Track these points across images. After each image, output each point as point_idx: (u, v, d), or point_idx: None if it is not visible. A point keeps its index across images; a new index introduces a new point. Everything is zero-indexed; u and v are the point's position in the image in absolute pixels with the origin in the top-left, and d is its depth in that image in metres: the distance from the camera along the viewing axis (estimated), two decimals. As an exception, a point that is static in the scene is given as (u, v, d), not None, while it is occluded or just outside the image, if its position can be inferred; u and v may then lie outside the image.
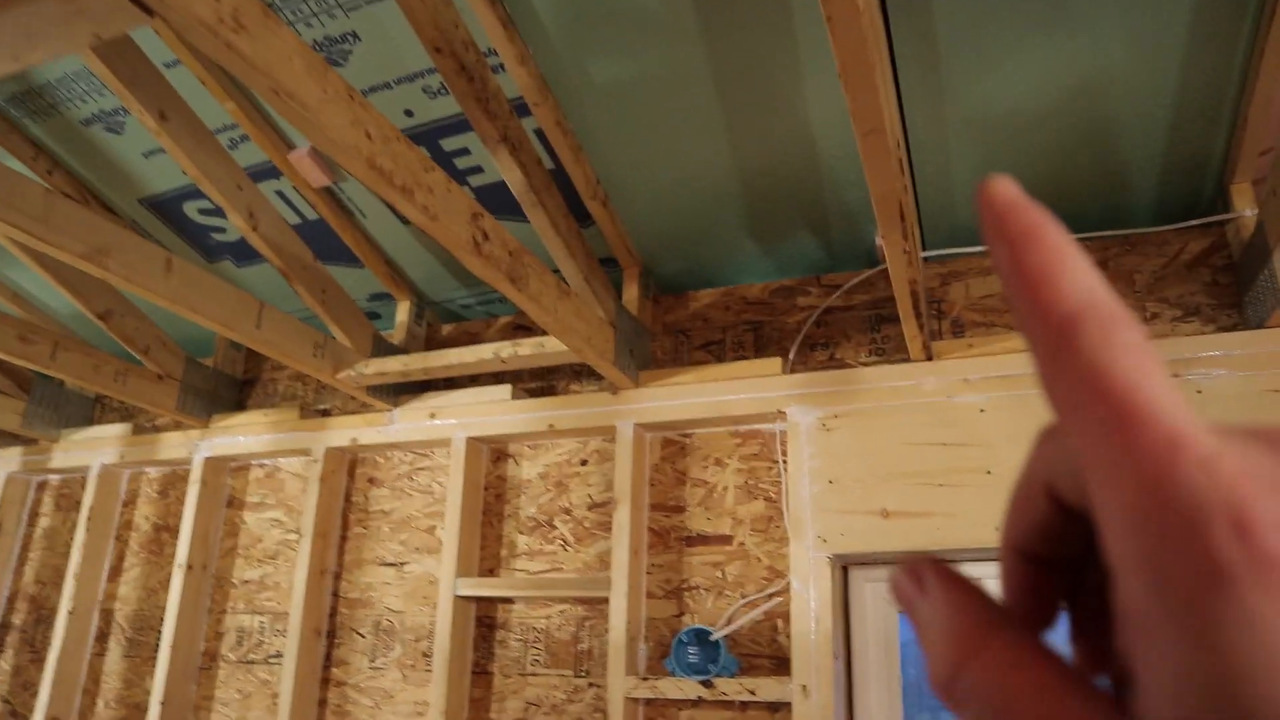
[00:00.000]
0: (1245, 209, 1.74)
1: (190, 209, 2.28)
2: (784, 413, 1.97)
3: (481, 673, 2.17)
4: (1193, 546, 0.17)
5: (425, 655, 2.25)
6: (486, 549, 2.26)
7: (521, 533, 2.24)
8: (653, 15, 1.58)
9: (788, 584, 1.90)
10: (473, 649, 2.19)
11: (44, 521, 2.94)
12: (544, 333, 2.11)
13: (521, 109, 1.80)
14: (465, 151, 1.96)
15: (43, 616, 2.83)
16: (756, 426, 2.06)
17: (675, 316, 2.26)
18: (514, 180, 1.75)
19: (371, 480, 2.46)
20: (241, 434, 2.56)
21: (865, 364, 2.02)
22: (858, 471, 1.88)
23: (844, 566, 1.95)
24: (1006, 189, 0.22)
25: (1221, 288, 1.80)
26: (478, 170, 2.00)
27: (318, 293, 2.13)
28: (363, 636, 2.33)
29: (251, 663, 2.46)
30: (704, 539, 2.05)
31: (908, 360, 1.92)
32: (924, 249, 1.92)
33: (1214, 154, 1.71)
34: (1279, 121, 1.57)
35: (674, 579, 2.05)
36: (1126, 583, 0.19)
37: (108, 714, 2.60)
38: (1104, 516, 0.19)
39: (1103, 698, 0.20)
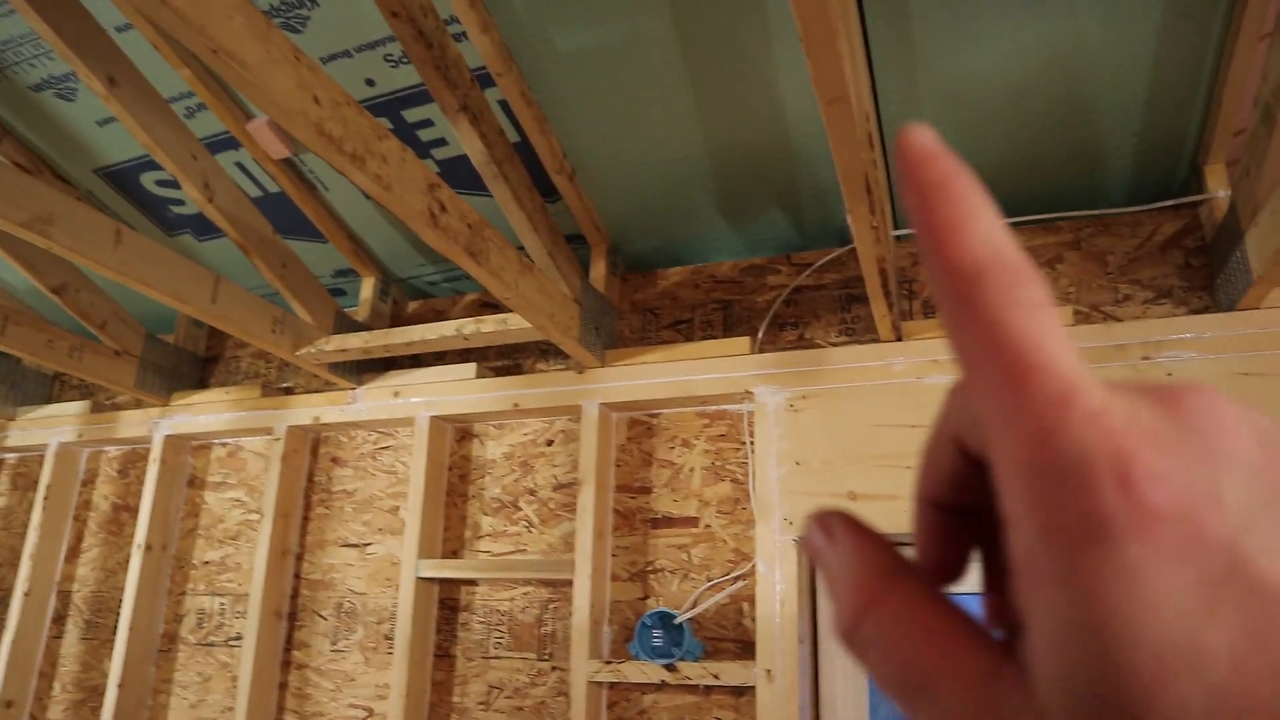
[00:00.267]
0: (1219, 190, 1.71)
1: (148, 180, 2.22)
2: (751, 393, 1.94)
3: (444, 655, 2.14)
4: (1077, 498, 0.17)
5: (387, 638, 2.21)
6: (450, 530, 2.23)
7: (486, 514, 2.21)
8: (618, -18, 1.54)
9: (753, 567, 1.87)
10: (435, 631, 2.16)
11: (1, 501, 2.88)
12: (509, 310, 2.06)
13: (486, 80, 1.75)
14: (429, 123, 1.91)
15: (-1, 597, 2.77)
16: (724, 407, 2.03)
17: (644, 295, 2.22)
18: (474, 151, 1.70)
19: (334, 460, 2.42)
20: (202, 412, 2.51)
21: (835, 344, 1.98)
22: (825, 453, 1.85)
23: (811, 549, 1.92)
24: (923, 139, 0.22)
25: (1194, 269, 1.78)
26: (441, 143, 1.95)
27: (277, 267, 2.08)
28: (324, 619, 2.29)
29: (211, 645, 2.41)
30: (670, 521, 2.02)
31: (878, 340, 1.89)
32: (896, 228, 1.88)
33: (1188, 134, 1.68)
34: (1252, 102, 1.54)
35: (639, 561, 2.02)
36: (1016, 533, 0.19)
37: (65, 697, 2.55)
38: (998, 467, 0.20)
39: (996, 646, 0.21)
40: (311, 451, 2.44)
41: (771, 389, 1.93)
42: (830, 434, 1.86)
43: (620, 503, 2.07)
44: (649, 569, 2.00)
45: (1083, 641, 0.17)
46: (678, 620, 1.88)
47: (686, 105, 1.76)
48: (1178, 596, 0.17)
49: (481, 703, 2.07)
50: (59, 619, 2.63)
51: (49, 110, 2.02)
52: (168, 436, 2.52)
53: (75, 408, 2.69)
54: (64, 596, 2.65)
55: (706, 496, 2.00)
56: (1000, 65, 1.58)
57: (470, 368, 2.22)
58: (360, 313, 2.40)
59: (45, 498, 2.62)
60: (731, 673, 1.80)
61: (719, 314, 2.13)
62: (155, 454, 2.51)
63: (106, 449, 2.74)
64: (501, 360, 2.32)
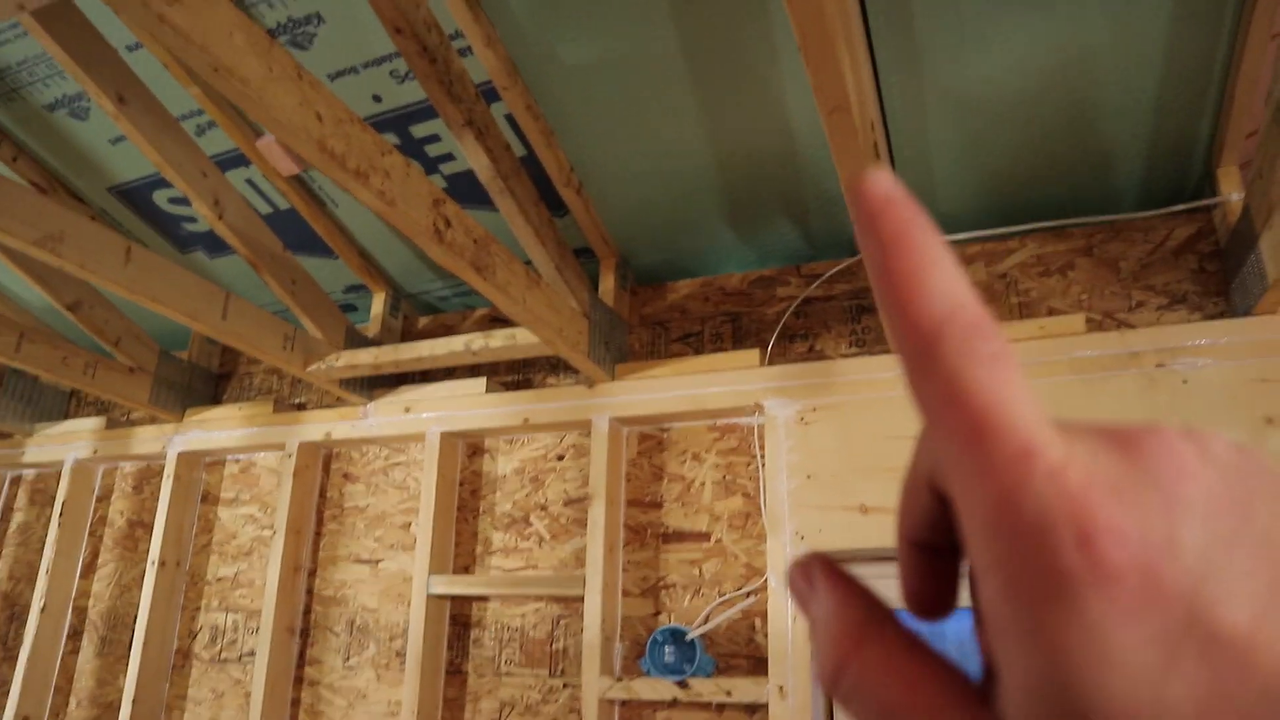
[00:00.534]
0: (1232, 193, 1.69)
1: (160, 198, 2.23)
2: (762, 405, 1.93)
3: (455, 672, 2.13)
4: (1039, 556, 0.18)
5: (399, 654, 2.20)
6: (461, 546, 2.22)
7: (497, 529, 2.20)
8: (621, -6, 1.54)
9: (765, 582, 1.86)
10: (447, 648, 2.15)
11: (18, 517, 2.90)
12: (518, 325, 2.06)
13: (491, 94, 1.75)
14: (436, 138, 1.91)
15: (16, 614, 2.78)
16: (735, 420, 2.02)
17: (653, 308, 2.22)
18: (480, 166, 1.70)
19: (346, 475, 2.42)
20: (215, 428, 2.52)
21: (845, 356, 1.97)
22: (836, 466, 1.84)
23: (823, 563, 1.90)
24: (881, 185, 0.21)
25: (1208, 274, 1.76)
26: (449, 158, 1.96)
27: (287, 283, 2.09)
28: (336, 635, 2.29)
29: (225, 661, 2.41)
30: (681, 536, 2.00)
31: (888, 351, 1.87)
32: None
33: (1200, 137, 1.66)
34: (1264, 103, 1.52)
35: (650, 576, 2.00)
36: (983, 585, 0.19)
37: (80, 713, 2.56)
38: (964, 521, 0.20)
39: (973, 692, 0.21)
40: (323, 467, 2.44)
41: (782, 401, 1.91)
42: (841, 446, 1.84)
43: (631, 517, 2.05)
44: (660, 584, 1.99)
45: (1051, 696, 0.18)
46: (690, 636, 1.86)
47: (693, 117, 1.76)
48: (1140, 651, 0.17)
49: None
50: (75, 634, 2.64)
51: (62, 129, 2.04)
52: (181, 453, 2.53)
53: (91, 424, 2.71)
54: (79, 612, 2.66)
55: (717, 511, 1.98)
56: (1007, 70, 1.56)
57: (480, 383, 2.22)
58: (371, 329, 2.40)
59: (61, 514, 2.64)
60: (744, 689, 1.78)
61: (728, 326, 2.12)
62: (169, 470, 2.52)
63: (121, 465, 2.76)
64: (512, 375, 2.32)
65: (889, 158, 1.63)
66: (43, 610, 2.57)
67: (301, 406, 2.53)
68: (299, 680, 2.29)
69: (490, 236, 1.62)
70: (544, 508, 2.16)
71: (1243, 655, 0.17)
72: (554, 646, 2.05)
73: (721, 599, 1.91)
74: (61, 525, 2.63)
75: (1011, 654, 0.18)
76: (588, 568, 1.96)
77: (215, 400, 2.70)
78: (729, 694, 1.78)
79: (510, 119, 1.81)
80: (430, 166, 1.97)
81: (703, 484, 2.01)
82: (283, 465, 2.39)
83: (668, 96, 1.72)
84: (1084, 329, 1.74)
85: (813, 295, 2.05)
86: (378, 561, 2.31)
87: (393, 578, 2.27)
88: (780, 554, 1.82)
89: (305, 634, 2.32)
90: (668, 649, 1.87)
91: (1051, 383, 1.71)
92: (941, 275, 0.20)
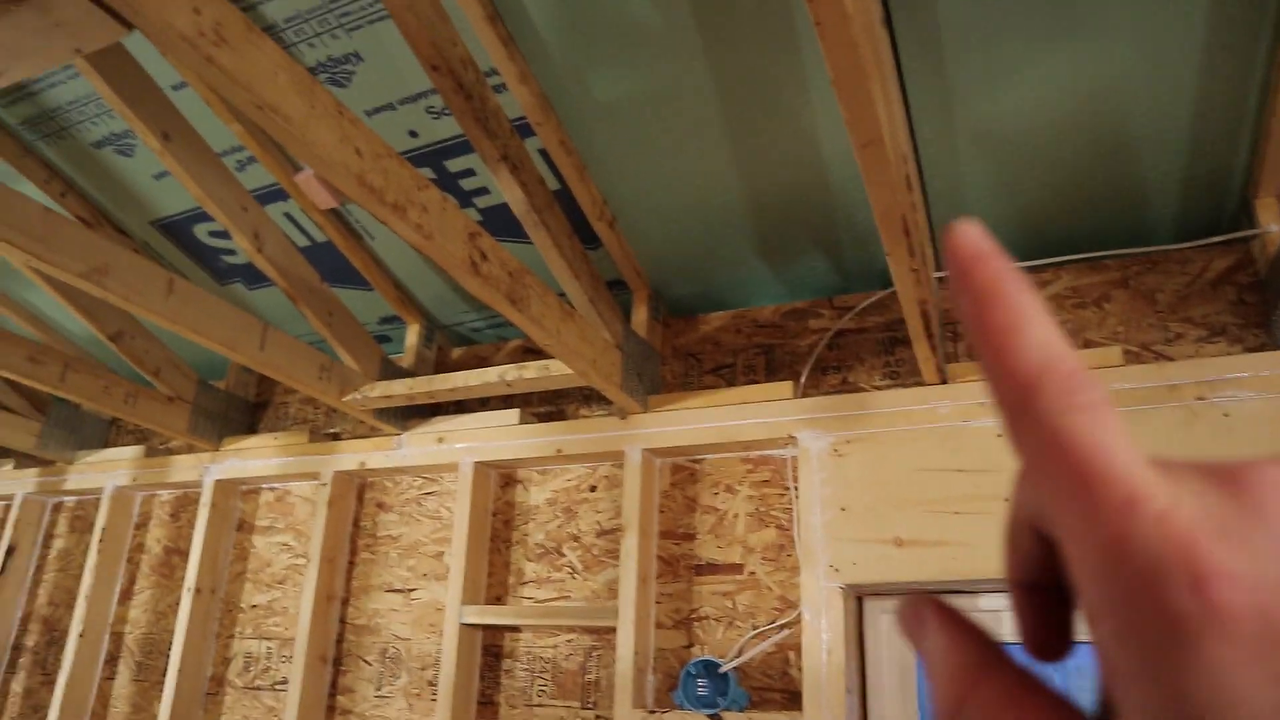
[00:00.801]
0: (1270, 224, 1.67)
1: (200, 231, 2.28)
2: (795, 438, 1.92)
3: (487, 703, 2.12)
4: (1153, 603, 0.18)
5: (431, 684, 2.20)
6: (494, 576, 2.22)
7: (529, 560, 2.20)
8: (654, 30, 1.56)
9: (799, 615, 1.84)
10: (479, 678, 2.14)
11: (58, 543, 2.95)
12: (551, 356, 2.07)
13: (525, 129, 1.77)
14: (470, 173, 1.94)
15: (55, 638, 2.82)
16: (768, 452, 2.01)
17: (685, 340, 2.22)
18: (515, 200, 1.72)
19: (380, 505, 2.43)
20: (251, 457, 2.55)
21: (878, 388, 1.96)
22: (870, 499, 1.82)
23: (858, 597, 1.89)
24: (971, 238, 0.22)
25: (1248, 306, 1.73)
26: (484, 192, 1.99)
27: (324, 315, 2.12)
28: (369, 664, 2.30)
29: (258, 689, 2.43)
30: (714, 567, 1.99)
31: (922, 384, 1.86)
32: (938, 270, 1.86)
33: (1236, 167, 1.65)
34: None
35: (683, 608, 1.99)
36: (1097, 629, 0.20)
37: (116, 740, 2.58)
38: (1073, 567, 0.20)
39: None
40: (357, 497, 2.46)
41: (815, 434, 1.91)
42: (875, 479, 1.83)
43: (664, 549, 2.05)
44: (693, 616, 1.98)
45: None
46: (723, 669, 1.85)
47: (724, 151, 1.77)
48: (1262, 690, 0.17)
49: (524, 751, 2.05)
50: (111, 660, 2.67)
51: (109, 166, 2.10)
52: (218, 481, 2.56)
53: (130, 452, 2.75)
54: (116, 638, 2.69)
55: (751, 543, 1.97)
56: (1038, 103, 1.56)
57: (514, 414, 2.23)
58: (405, 359, 2.43)
59: (100, 540, 2.68)
60: (777, 723, 1.76)
61: (761, 359, 2.12)
62: (206, 498, 2.55)
63: (159, 493, 2.80)
64: (545, 406, 2.33)
65: (921, 191, 1.63)
66: (81, 636, 2.60)
67: (336, 436, 2.55)
68: (331, 709, 2.29)
69: (525, 269, 1.64)
70: (576, 538, 2.16)
71: None
72: (586, 678, 2.04)
73: (755, 631, 1.90)
74: (100, 552, 2.67)
75: (1131, 695, 0.19)
76: (620, 599, 1.95)
77: (251, 429, 2.74)
78: (762, 729, 1.76)
79: (544, 153, 1.83)
80: (465, 200, 2.00)
81: (736, 516, 2.00)
82: (317, 494, 2.41)
83: (699, 130, 1.74)
84: (1121, 361, 1.72)
85: (845, 328, 2.05)
86: (410, 591, 2.31)
87: (425, 607, 2.28)
88: (814, 587, 1.81)
89: (338, 663, 2.33)
90: (701, 682, 1.86)
91: (1088, 415, 1.68)
92: (1036, 328, 0.21)
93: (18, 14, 0.98)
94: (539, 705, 2.07)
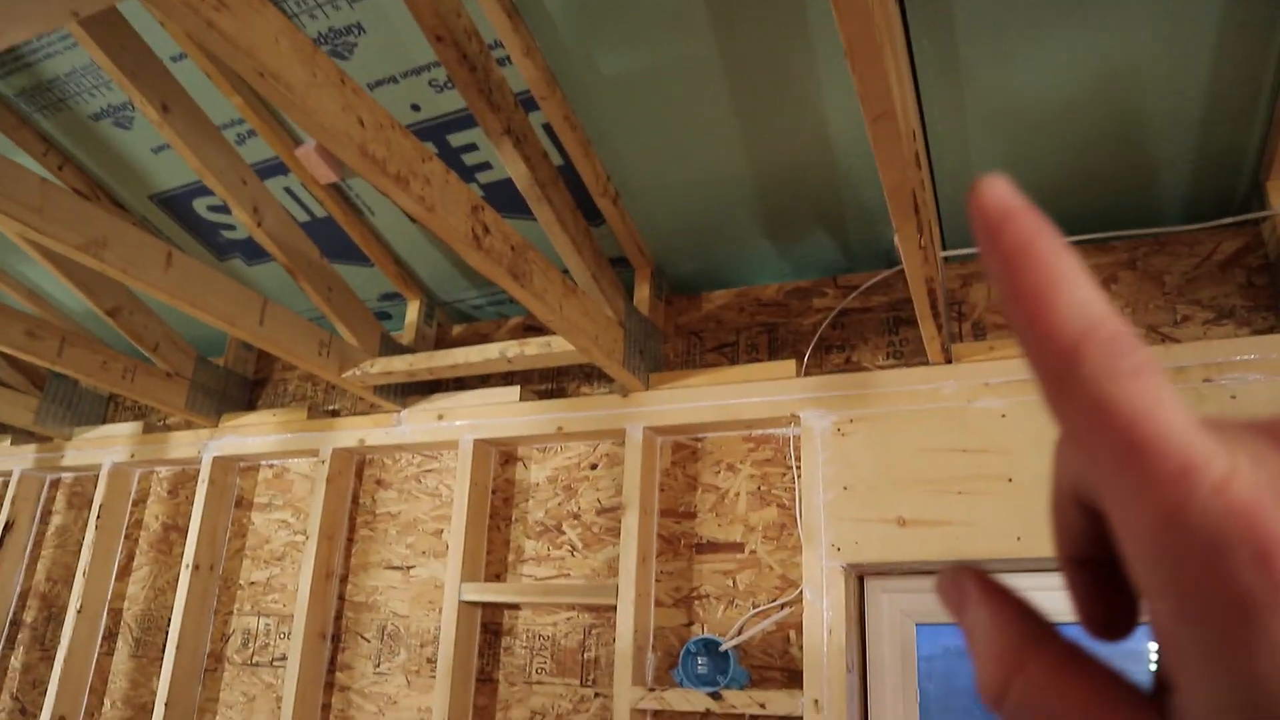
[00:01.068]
0: (1282, 206, 1.66)
1: (200, 205, 2.26)
2: (798, 416, 1.91)
3: (486, 680, 2.12)
4: (1214, 579, 0.17)
5: (430, 661, 2.20)
6: (493, 553, 2.22)
7: (529, 537, 2.19)
8: (662, 5, 1.54)
9: (800, 594, 1.84)
10: (478, 655, 2.14)
11: (56, 519, 2.94)
12: (552, 333, 2.06)
13: (529, 103, 1.75)
14: (473, 147, 1.92)
15: (53, 615, 2.82)
16: (770, 431, 2.00)
17: (688, 318, 2.21)
18: (518, 174, 1.70)
19: (379, 482, 2.43)
20: (250, 434, 2.54)
21: (882, 367, 1.95)
22: (873, 478, 1.82)
23: (859, 576, 1.89)
24: (1000, 194, 0.20)
25: (1257, 289, 1.72)
26: (486, 167, 1.97)
27: (324, 290, 2.10)
28: (368, 641, 2.30)
29: (257, 665, 2.43)
30: (715, 546, 1.99)
31: (926, 363, 1.85)
32: (945, 249, 1.85)
33: (1248, 149, 1.63)
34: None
35: (683, 587, 1.99)
36: (1153, 605, 0.19)
37: (114, 714, 2.58)
38: (1124, 542, 0.19)
39: (1146, 705, 0.20)
40: (356, 474, 2.45)
41: (818, 413, 1.90)
42: (878, 458, 1.82)
43: (664, 527, 2.04)
44: (694, 595, 1.97)
45: (1238, 714, 0.17)
46: (723, 648, 1.85)
47: (730, 127, 1.75)
48: None
49: (523, 729, 2.05)
50: (110, 636, 2.66)
51: (107, 138, 2.07)
52: (216, 457, 2.55)
53: (128, 428, 2.74)
54: (115, 614, 2.68)
55: (752, 521, 1.97)
56: (1050, 81, 1.55)
57: (514, 391, 2.22)
58: (405, 336, 2.41)
59: (98, 517, 2.67)
60: (778, 702, 1.76)
61: (764, 337, 2.11)
62: (204, 474, 2.54)
63: (157, 469, 2.79)
64: (545, 383, 2.32)
65: (929, 168, 1.62)
66: (79, 612, 2.60)
67: (335, 413, 2.54)
68: (330, 685, 2.29)
69: (527, 244, 1.62)
70: (576, 516, 2.16)
71: None
72: (585, 655, 2.04)
73: (755, 610, 1.90)
74: (98, 528, 2.66)
75: (1192, 674, 0.18)
76: (620, 577, 1.95)
77: (250, 406, 2.72)
78: (763, 706, 1.77)
79: (548, 128, 1.81)
80: (467, 175, 1.98)
81: (737, 494, 2.00)
82: (316, 471, 2.40)
83: (705, 107, 1.72)
84: (1127, 342, 1.71)
85: (849, 306, 2.03)
86: (409, 568, 2.31)
87: (424, 584, 2.28)
88: (815, 566, 1.81)
89: (336, 639, 2.33)
90: (701, 660, 1.86)
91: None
92: (1075, 289, 0.19)
93: (15, -25, 0.96)
94: (538, 682, 2.07)
